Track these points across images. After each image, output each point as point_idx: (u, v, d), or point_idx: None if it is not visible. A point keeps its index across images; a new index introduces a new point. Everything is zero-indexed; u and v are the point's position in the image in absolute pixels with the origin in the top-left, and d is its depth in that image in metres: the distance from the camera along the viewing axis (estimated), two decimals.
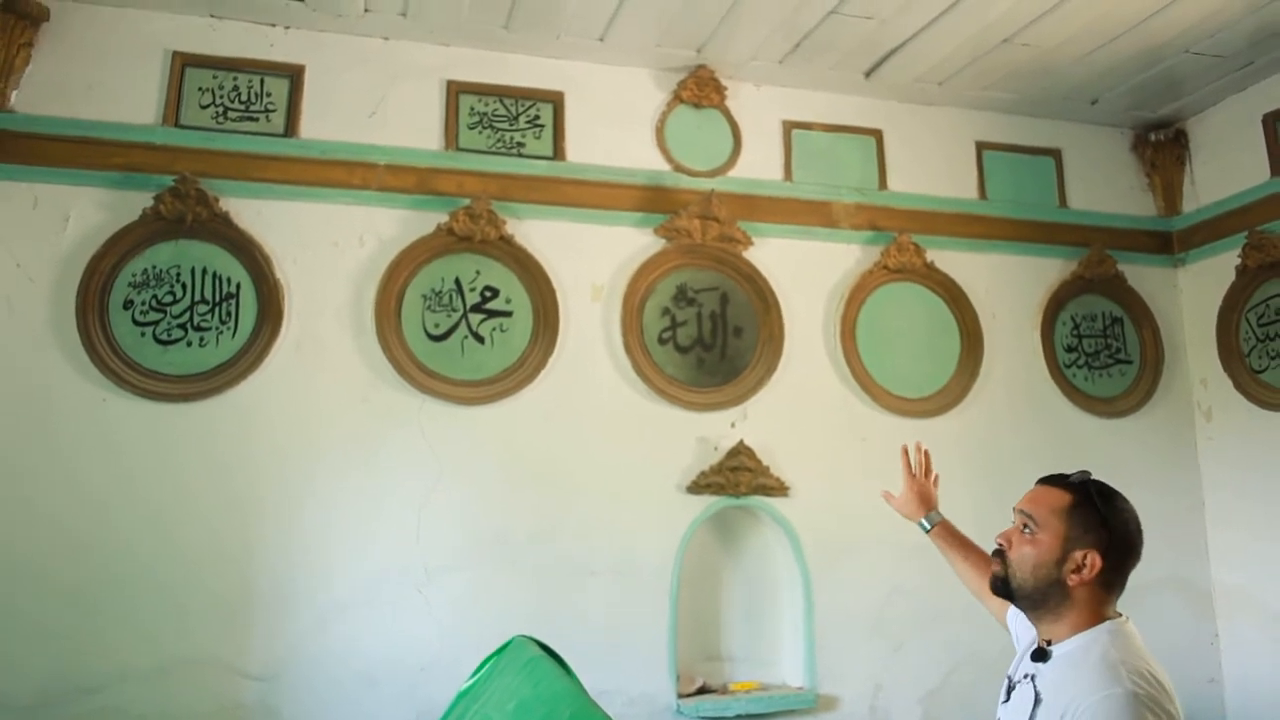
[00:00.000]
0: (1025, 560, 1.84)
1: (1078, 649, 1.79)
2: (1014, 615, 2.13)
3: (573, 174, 3.84)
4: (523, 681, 2.09)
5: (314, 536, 3.39)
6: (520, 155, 3.82)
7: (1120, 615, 1.85)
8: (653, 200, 3.92)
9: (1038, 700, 1.78)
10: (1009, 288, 4.31)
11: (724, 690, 3.77)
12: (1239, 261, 4.21)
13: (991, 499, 3.97)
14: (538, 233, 3.77)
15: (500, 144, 3.81)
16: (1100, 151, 4.59)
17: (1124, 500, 1.88)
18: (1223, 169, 4.39)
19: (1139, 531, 1.86)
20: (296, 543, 3.38)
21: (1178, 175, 4.58)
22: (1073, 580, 1.81)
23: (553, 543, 3.59)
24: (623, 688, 3.51)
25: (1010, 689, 1.92)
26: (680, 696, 3.61)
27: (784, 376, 3.94)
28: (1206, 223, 4.44)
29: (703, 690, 3.73)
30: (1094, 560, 1.80)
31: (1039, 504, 1.87)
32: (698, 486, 3.76)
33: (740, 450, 3.80)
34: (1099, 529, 1.81)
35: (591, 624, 3.54)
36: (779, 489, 3.83)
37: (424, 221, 3.66)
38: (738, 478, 3.78)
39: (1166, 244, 4.58)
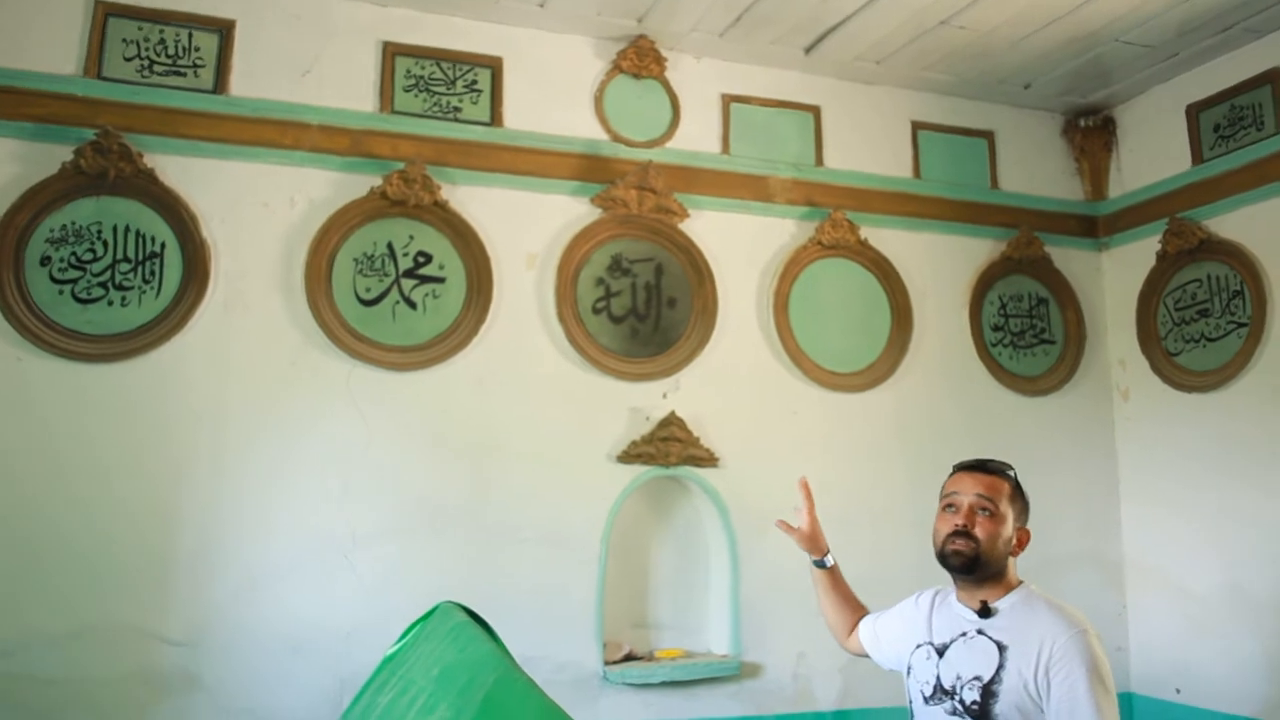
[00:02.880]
0: (995, 539, 2.18)
1: (1018, 603, 2.18)
2: (870, 629, 2.57)
3: (510, 141, 3.81)
4: (448, 647, 2.09)
5: (238, 501, 3.35)
6: (457, 120, 3.77)
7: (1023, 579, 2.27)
8: (590, 169, 3.90)
9: (1002, 647, 2.12)
10: (940, 266, 4.39)
11: (650, 657, 3.82)
12: (1160, 247, 4.33)
13: (918, 473, 4.11)
14: (473, 199, 3.74)
15: (436, 108, 3.76)
16: (1032, 135, 4.68)
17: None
18: (1147, 156, 4.50)
19: None
20: (220, 507, 3.33)
21: (1105, 161, 4.69)
22: (1015, 553, 2.23)
23: (482, 510, 3.59)
24: (550, 654, 3.54)
25: (942, 649, 2.23)
26: (607, 663, 3.65)
27: (717, 349, 3.97)
28: (1130, 208, 4.55)
29: (629, 657, 3.77)
30: (1026, 536, 2.25)
31: (995, 491, 2.22)
32: (628, 456, 3.78)
33: (672, 421, 3.83)
34: (1026, 511, 2.27)
35: (520, 591, 3.55)
36: (709, 460, 3.87)
37: (357, 184, 3.60)
38: (668, 448, 3.81)
39: (1092, 228, 4.69)
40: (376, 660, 2.48)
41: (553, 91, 3.92)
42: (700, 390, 3.92)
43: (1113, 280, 4.64)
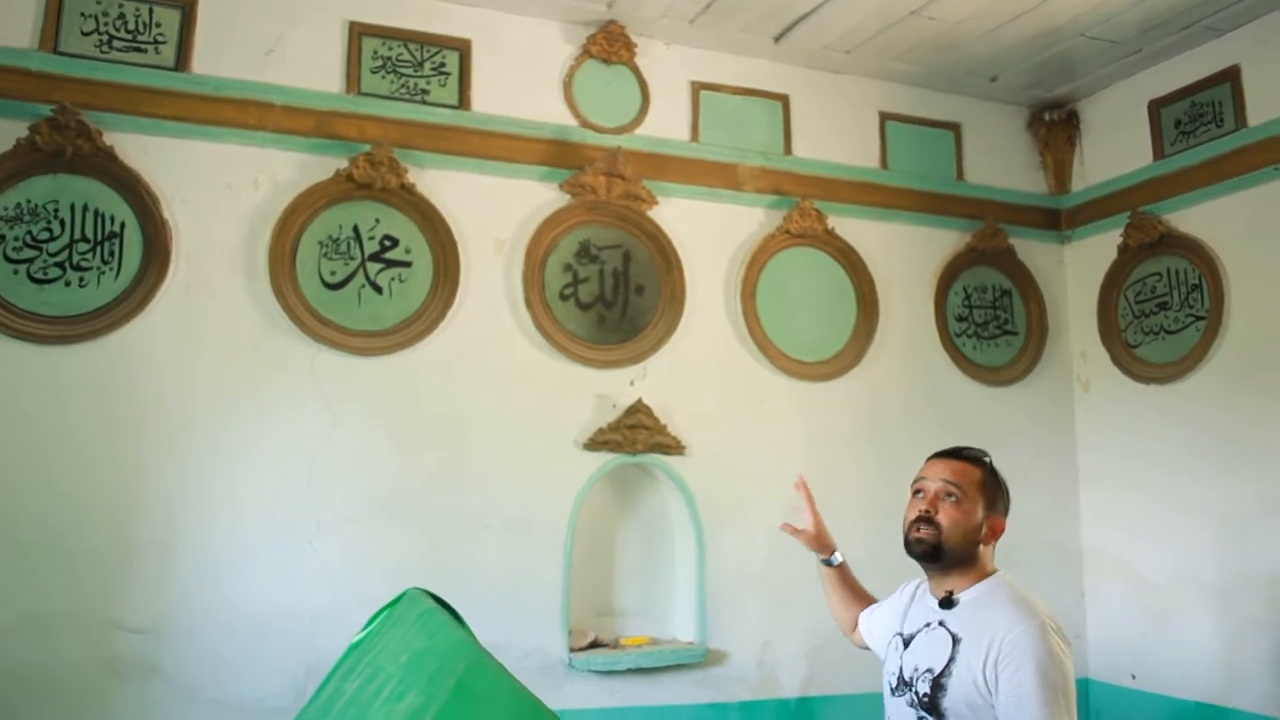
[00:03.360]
0: (958, 526, 2.11)
1: (982, 594, 2.10)
2: (867, 621, 2.50)
3: (477, 124, 3.77)
4: (416, 634, 2.07)
5: (200, 486, 3.30)
6: (424, 103, 3.73)
7: (998, 569, 2.17)
8: (558, 155, 3.88)
9: (956, 640, 2.05)
10: (906, 257, 4.42)
11: (615, 645, 3.82)
12: (1121, 240, 4.39)
13: (881, 462, 4.14)
14: (440, 183, 3.70)
15: (404, 90, 3.72)
16: (997, 128, 4.71)
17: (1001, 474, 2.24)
18: (1110, 151, 4.56)
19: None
20: (181, 493, 3.27)
21: (1068, 155, 4.74)
22: (985, 542, 2.14)
23: (447, 496, 3.57)
24: (515, 641, 3.53)
25: (909, 640, 2.17)
26: (572, 650, 3.65)
27: (684, 336, 3.97)
28: (1093, 202, 4.61)
29: (595, 644, 3.77)
30: (998, 525, 2.16)
31: (963, 477, 2.16)
32: (595, 443, 3.77)
33: (638, 408, 3.82)
34: (1000, 499, 2.19)
35: (485, 578, 3.53)
36: (675, 448, 3.87)
37: (322, 166, 3.55)
38: (635, 436, 3.81)
39: (1055, 220, 4.74)
40: (342, 646, 2.45)
41: (521, 75, 3.89)
42: (667, 378, 3.92)
43: (1075, 273, 4.70)
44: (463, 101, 3.78)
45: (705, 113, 4.16)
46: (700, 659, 3.80)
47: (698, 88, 4.16)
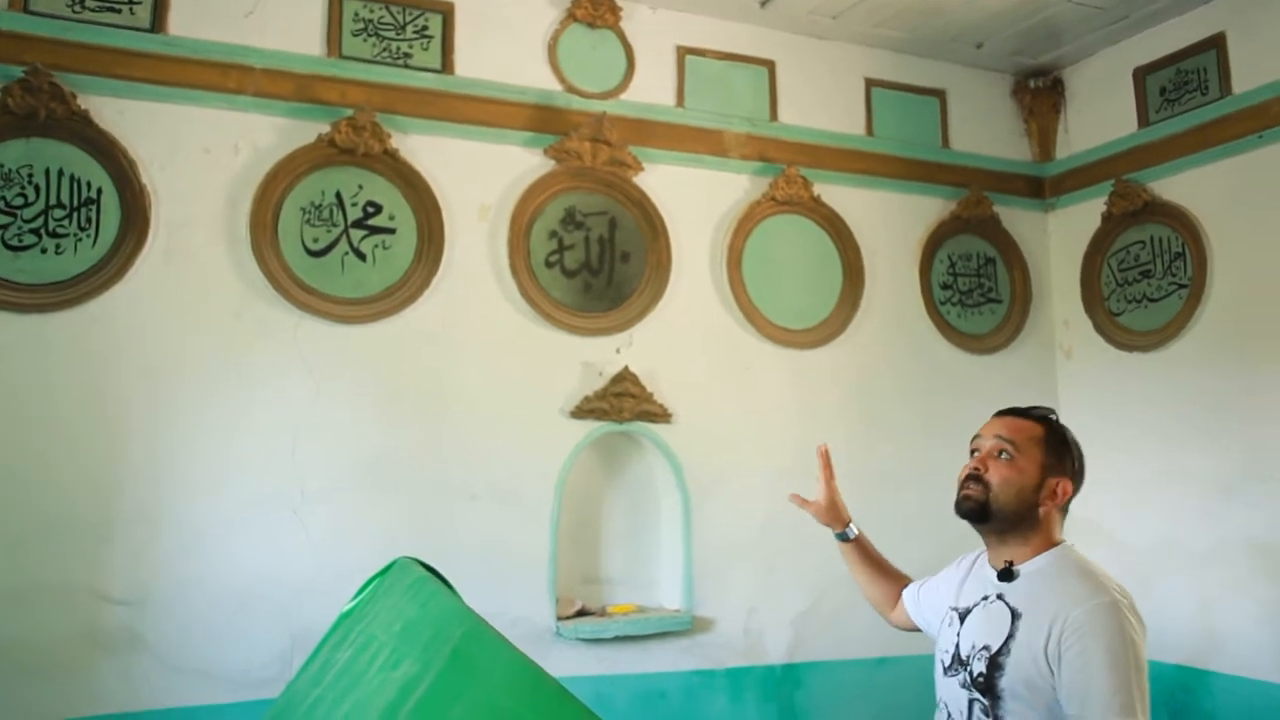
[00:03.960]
0: (1010, 484, 1.94)
1: (1046, 566, 1.94)
2: (914, 598, 2.33)
3: (461, 89, 3.71)
4: (409, 602, 2.05)
5: (182, 456, 3.25)
6: (407, 66, 3.66)
7: (1066, 539, 2.01)
8: (543, 120, 3.82)
9: (1015, 615, 1.89)
10: (891, 224, 4.40)
11: (602, 613, 3.83)
12: (1105, 209, 4.39)
13: (868, 429, 4.15)
14: (424, 148, 3.64)
15: (386, 53, 3.65)
16: (983, 95, 4.69)
17: (1074, 435, 2.05)
18: (1094, 119, 4.55)
19: (1085, 464, 2.05)
20: (163, 463, 3.23)
21: (1053, 122, 4.74)
22: (1046, 506, 1.96)
23: (433, 465, 3.54)
24: (502, 610, 3.50)
25: (964, 614, 2.01)
26: (559, 619, 3.65)
27: (670, 304, 3.94)
28: (1077, 170, 4.61)
29: (582, 613, 3.77)
30: (1065, 488, 1.97)
31: (1019, 433, 1.98)
32: (581, 412, 3.75)
33: (625, 376, 3.81)
34: (1068, 459, 2.00)
35: (472, 547, 3.51)
36: (662, 415, 3.86)
37: (304, 131, 3.48)
38: (621, 404, 3.79)
39: (1039, 189, 4.74)
40: (328, 616, 2.43)
41: (505, 39, 3.83)
42: (654, 346, 3.90)
43: (1058, 241, 4.70)
44: (446, 65, 3.72)
45: (691, 78, 4.11)
46: (687, 626, 3.81)
47: (683, 53, 4.12)
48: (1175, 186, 4.14)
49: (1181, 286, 4.08)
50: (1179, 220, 4.09)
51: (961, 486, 2.00)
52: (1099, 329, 4.42)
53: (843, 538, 2.49)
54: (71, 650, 3.08)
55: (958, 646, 1.98)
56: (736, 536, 3.95)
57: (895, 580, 2.44)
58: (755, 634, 3.94)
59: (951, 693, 1.97)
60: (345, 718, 1.85)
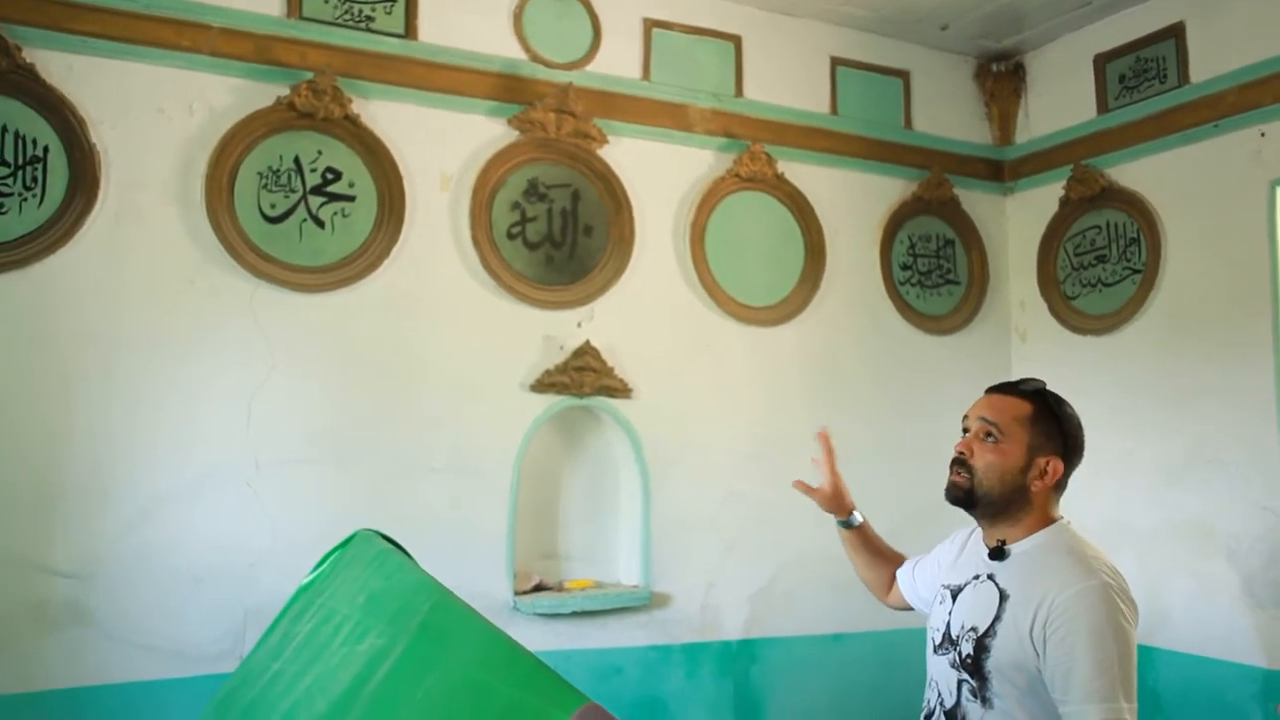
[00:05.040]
0: (993, 469, 1.91)
1: (1038, 546, 1.90)
2: (908, 577, 2.30)
3: (425, 55, 3.64)
4: (372, 574, 2.02)
5: (132, 426, 3.17)
6: (370, 30, 3.58)
7: (1062, 516, 1.96)
8: (507, 89, 3.76)
9: (1004, 596, 1.86)
10: (853, 204, 4.41)
11: (560, 588, 3.81)
12: (1063, 193, 4.44)
13: (826, 407, 4.16)
14: (385, 114, 3.57)
15: (348, 16, 3.56)
16: (946, 77, 4.71)
17: (1072, 407, 1.98)
18: (1054, 104, 4.59)
19: (1084, 436, 1.97)
20: (112, 432, 3.14)
21: (1014, 107, 4.77)
22: (1035, 486, 1.91)
23: (391, 437, 3.49)
24: (460, 584, 3.38)
25: (956, 592, 1.99)
26: (517, 594, 3.63)
27: (632, 278, 3.92)
28: (1036, 154, 4.65)
29: (539, 588, 3.76)
30: (1056, 466, 1.91)
31: (1002, 413, 1.94)
32: (542, 385, 3.72)
33: (586, 350, 3.78)
34: (1058, 436, 1.93)
35: (429, 520, 3.47)
36: (622, 390, 3.84)
37: (262, 93, 3.39)
38: (582, 378, 3.77)
39: (998, 172, 4.78)
40: (285, 590, 2.38)
41: (471, 6, 3.75)
42: (615, 320, 3.88)
43: (1016, 224, 4.75)
44: (409, 30, 3.64)
45: (657, 51, 4.07)
46: (644, 602, 3.81)
47: (650, 25, 4.07)
48: (1132, 173, 4.20)
49: (1135, 272, 4.14)
50: (1135, 206, 4.15)
51: (950, 472, 1.97)
52: (1054, 312, 4.48)
53: (845, 525, 2.41)
54: (15, 624, 2.99)
55: (949, 625, 1.96)
56: (695, 513, 3.95)
57: (893, 564, 2.39)
58: (712, 610, 3.96)
59: (941, 671, 1.96)
60: (308, 690, 1.82)
